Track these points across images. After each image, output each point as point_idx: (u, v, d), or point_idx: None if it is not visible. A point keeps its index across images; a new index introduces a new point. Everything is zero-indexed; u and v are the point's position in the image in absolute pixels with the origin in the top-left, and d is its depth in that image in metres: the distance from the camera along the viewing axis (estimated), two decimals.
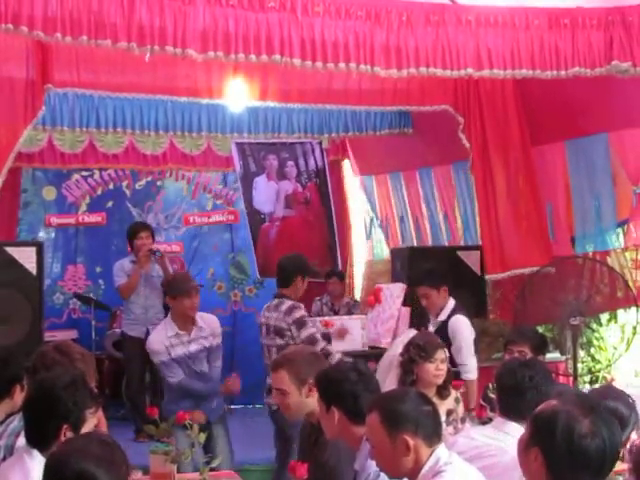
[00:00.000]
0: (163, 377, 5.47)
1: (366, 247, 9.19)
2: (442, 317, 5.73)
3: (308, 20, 4.61)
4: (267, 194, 8.31)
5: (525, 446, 2.24)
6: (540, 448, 2.18)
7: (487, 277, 6.62)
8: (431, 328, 5.73)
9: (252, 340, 8.58)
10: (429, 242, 7.97)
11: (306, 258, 5.89)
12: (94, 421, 2.95)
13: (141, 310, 7.19)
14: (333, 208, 8.47)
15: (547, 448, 2.17)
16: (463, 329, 5.64)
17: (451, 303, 5.76)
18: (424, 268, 6.14)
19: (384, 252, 8.80)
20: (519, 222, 6.48)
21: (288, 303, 5.41)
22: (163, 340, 5.26)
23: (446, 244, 7.69)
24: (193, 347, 5.28)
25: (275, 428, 5.39)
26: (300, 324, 5.33)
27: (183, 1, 4.37)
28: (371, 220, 9.05)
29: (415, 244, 8.07)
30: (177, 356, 5.26)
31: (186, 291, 5.27)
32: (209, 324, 5.41)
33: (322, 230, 8.38)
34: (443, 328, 5.64)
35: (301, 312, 5.38)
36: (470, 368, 5.58)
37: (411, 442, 2.64)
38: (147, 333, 7.12)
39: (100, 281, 8.77)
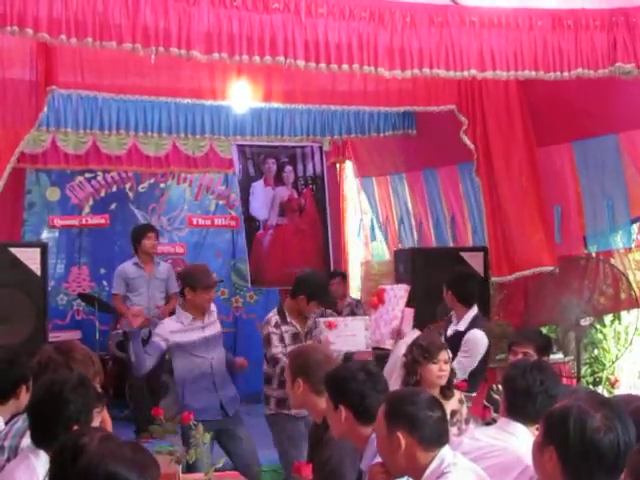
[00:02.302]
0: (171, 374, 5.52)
1: (364, 248, 9.21)
2: (460, 327, 5.58)
3: (312, 21, 4.61)
4: (263, 200, 8.36)
5: (539, 447, 2.25)
6: (554, 447, 2.19)
7: (493, 279, 6.61)
8: (448, 332, 5.64)
9: (253, 345, 8.68)
10: (432, 244, 7.96)
11: (324, 284, 5.93)
12: (99, 419, 2.97)
13: (144, 311, 7.21)
14: (329, 213, 8.53)
15: (561, 445, 2.18)
16: (479, 346, 5.43)
17: (472, 313, 5.58)
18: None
19: (385, 253, 8.81)
20: (524, 224, 6.47)
21: (267, 315, 5.54)
22: (172, 327, 5.32)
23: (451, 246, 7.68)
24: (207, 332, 5.36)
25: None
26: (266, 340, 5.41)
27: (187, 2, 4.38)
28: (371, 221, 9.06)
29: (415, 246, 8.08)
30: (190, 341, 5.29)
31: (209, 285, 5.35)
32: (214, 310, 5.52)
33: (316, 237, 8.45)
34: (458, 337, 5.49)
35: (268, 328, 5.41)
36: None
37: (403, 441, 2.66)
38: (149, 334, 7.16)
39: (104, 282, 8.77)
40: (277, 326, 5.42)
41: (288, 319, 5.48)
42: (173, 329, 5.30)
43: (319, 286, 5.70)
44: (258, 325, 8.99)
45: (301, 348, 4.28)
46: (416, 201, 8.23)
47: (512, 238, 6.49)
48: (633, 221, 5.98)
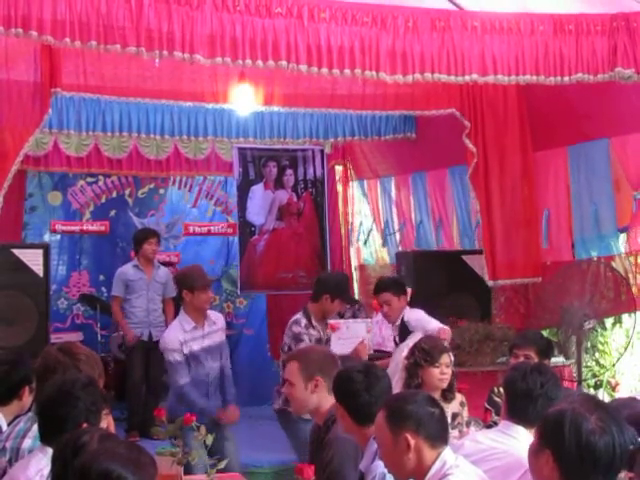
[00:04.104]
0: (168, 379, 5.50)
1: (358, 252, 9.24)
2: (398, 321, 5.72)
3: (314, 26, 4.63)
4: (262, 204, 8.37)
5: (535, 451, 2.25)
6: (550, 450, 2.19)
7: (489, 283, 6.62)
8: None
9: (247, 349, 8.70)
10: (413, 247, 7.96)
11: (346, 281, 5.89)
12: (106, 421, 2.99)
13: (143, 313, 7.26)
14: (327, 217, 8.54)
15: (557, 448, 2.18)
16: (420, 314, 5.59)
17: (407, 308, 5.75)
18: (388, 277, 6.26)
19: (374, 256, 8.81)
20: (518, 229, 6.48)
21: (295, 317, 5.54)
22: (179, 336, 5.28)
23: (435, 248, 7.67)
24: (207, 342, 5.34)
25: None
26: (297, 339, 5.43)
27: (191, 6, 4.40)
28: (360, 224, 9.08)
29: (398, 248, 8.09)
30: (192, 351, 5.28)
31: (205, 285, 5.34)
32: (218, 320, 5.50)
33: (313, 241, 8.47)
34: (403, 326, 5.64)
35: (299, 328, 5.47)
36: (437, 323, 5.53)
37: (412, 441, 2.66)
38: (149, 335, 7.19)
39: (103, 289, 8.77)
40: (306, 327, 5.50)
41: (314, 323, 5.54)
42: (182, 339, 5.27)
43: (341, 283, 5.76)
44: (245, 330, 9.07)
45: (308, 349, 4.31)
46: (402, 204, 8.25)
47: (500, 245, 6.50)
48: (620, 231, 5.93)
